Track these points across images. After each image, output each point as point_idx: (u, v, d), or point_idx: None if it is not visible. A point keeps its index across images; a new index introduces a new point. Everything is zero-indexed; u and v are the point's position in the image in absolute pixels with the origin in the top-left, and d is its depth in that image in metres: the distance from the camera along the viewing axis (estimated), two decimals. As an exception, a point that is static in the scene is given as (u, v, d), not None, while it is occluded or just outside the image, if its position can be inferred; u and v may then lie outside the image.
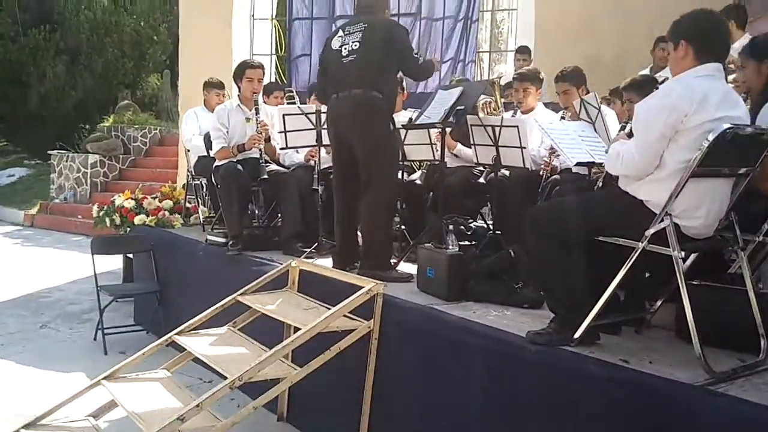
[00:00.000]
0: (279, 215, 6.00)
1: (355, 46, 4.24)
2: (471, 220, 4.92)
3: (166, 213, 6.58)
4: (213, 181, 5.50)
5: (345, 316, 3.63)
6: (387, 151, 4.19)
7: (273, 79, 10.55)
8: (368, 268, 4.16)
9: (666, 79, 3.91)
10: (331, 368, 3.59)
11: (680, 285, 2.60)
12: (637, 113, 2.68)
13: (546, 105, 5.34)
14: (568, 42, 7.70)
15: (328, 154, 5.44)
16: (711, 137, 2.49)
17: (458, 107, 4.28)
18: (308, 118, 4.88)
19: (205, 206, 6.81)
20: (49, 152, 13.82)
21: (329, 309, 3.88)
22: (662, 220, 2.63)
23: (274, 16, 10.63)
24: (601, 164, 3.91)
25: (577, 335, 2.83)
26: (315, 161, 5.32)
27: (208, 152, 5.63)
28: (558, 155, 4.51)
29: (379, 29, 4.22)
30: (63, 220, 12.49)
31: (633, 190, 2.72)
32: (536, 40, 8.20)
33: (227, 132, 5.43)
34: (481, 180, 4.90)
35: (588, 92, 4.73)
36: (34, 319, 6.51)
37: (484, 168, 5.07)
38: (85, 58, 16.17)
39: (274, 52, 10.51)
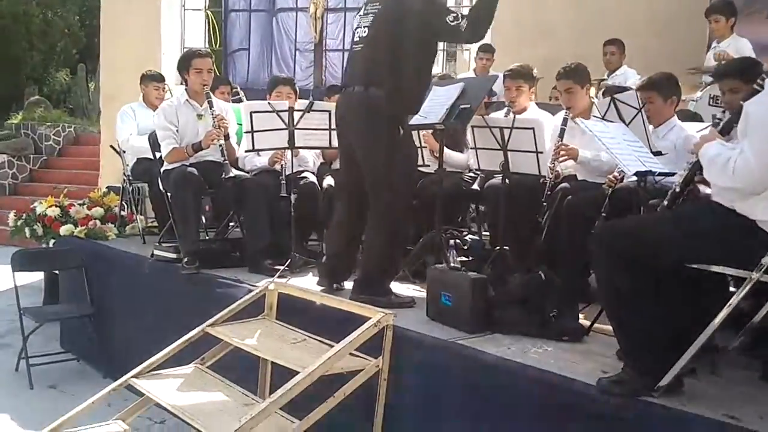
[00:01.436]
0: (233, 225, 5.33)
1: (365, 32, 3.61)
2: (466, 233, 4.38)
3: (98, 222, 5.75)
4: (161, 187, 4.75)
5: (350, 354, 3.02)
6: (391, 161, 3.54)
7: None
8: (363, 291, 3.55)
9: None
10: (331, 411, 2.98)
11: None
12: (751, 113, 2.18)
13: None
14: (525, 42, 7.33)
15: (296, 156, 4.82)
16: None
17: (462, 105, 3.74)
18: (279, 117, 4.22)
19: (142, 215, 6.04)
20: (-52, 151, 12.50)
21: (321, 342, 3.29)
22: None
23: (207, 7, 9.85)
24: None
25: (663, 383, 2.31)
26: (281, 165, 4.66)
27: (154, 154, 4.87)
28: (563, 160, 4.04)
29: (392, 9, 3.53)
30: (-35, 226, 11.26)
31: (744, 209, 2.22)
32: (492, 39, 7.78)
33: (177, 131, 4.70)
34: (475, 187, 4.35)
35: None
36: (-63, 347, 5.58)
37: (477, 174, 4.55)
38: (-12, 50, 14.84)
39: (207, 45, 9.71)
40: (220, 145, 4.54)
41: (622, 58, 6.40)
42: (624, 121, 3.39)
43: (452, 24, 3.38)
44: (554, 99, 5.50)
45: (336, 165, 5.11)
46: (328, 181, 4.79)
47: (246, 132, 4.22)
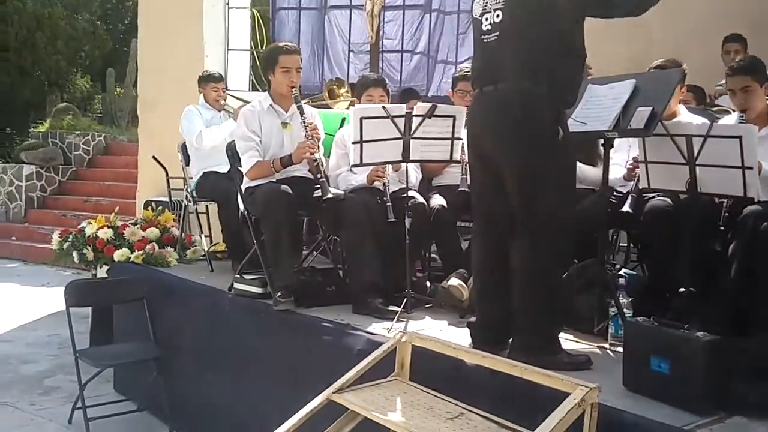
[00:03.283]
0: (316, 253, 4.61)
1: (497, 17, 2.87)
2: (618, 265, 3.62)
3: (155, 246, 5.03)
4: (241, 207, 4.03)
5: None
6: (552, 175, 2.82)
7: (249, 79, 9.10)
8: (526, 349, 2.80)
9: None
10: None
11: None
12: None
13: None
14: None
15: (396, 171, 4.08)
16: None
17: (640, 108, 2.98)
18: (395, 123, 3.47)
19: (205, 236, 5.31)
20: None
21: (487, 419, 2.52)
22: None
23: (253, 5, 9.15)
24: None
25: None
26: (384, 183, 3.93)
27: (233, 166, 4.14)
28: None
29: None
30: (-7, 242, 10.60)
31: None
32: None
33: (260, 141, 3.98)
34: (626, 209, 3.57)
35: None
36: (-26, 389, 4.88)
37: (620, 194, 3.79)
38: (13, 54, 14.12)
39: (253, 46, 9.01)
40: (315, 161, 3.81)
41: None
42: None
43: None
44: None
45: (439, 180, 4.37)
46: (438, 200, 4.03)
47: (354, 143, 3.47)
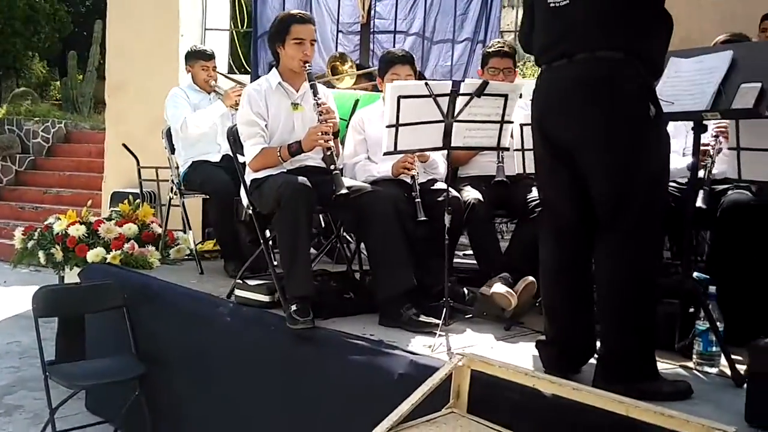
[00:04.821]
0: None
1: None
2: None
3: (136, 245, 4.40)
4: (243, 202, 3.44)
5: None
6: (648, 162, 2.31)
7: (227, 61, 8.44)
8: (619, 374, 2.28)
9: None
10: None
11: None
12: None
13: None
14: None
15: (423, 162, 3.54)
16: None
17: (744, 85, 2.48)
18: (437, 103, 2.91)
19: (187, 233, 4.68)
20: None
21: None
22: None
23: (232, -18, 8.50)
24: None
25: None
26: (414, 175, 3.39)
27: (235, 156, 3.55)
28: None
29: None
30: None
31: None
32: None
33: (266, 126, 3.40)
34: (699, 204, 3.07)
35: None
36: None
37: (680, 186, 3.30)
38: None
39: (233, 26, 8.35)
40: (329, 149, 3.24)
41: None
42: None
43: None
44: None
45: (467, 170, 3.84)
46: (472, 194, 3.49)
47: (389, 126, 2.90)
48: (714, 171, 3.19)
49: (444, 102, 2.93)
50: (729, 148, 2.80)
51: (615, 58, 2.30)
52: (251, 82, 5.89)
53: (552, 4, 2.41)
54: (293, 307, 3.01)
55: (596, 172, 2.35)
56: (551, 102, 2.46)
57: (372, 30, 7.74)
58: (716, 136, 3.23)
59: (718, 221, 3.05)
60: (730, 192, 3.11)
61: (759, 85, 2.45)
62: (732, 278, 2.91)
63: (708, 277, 2.93)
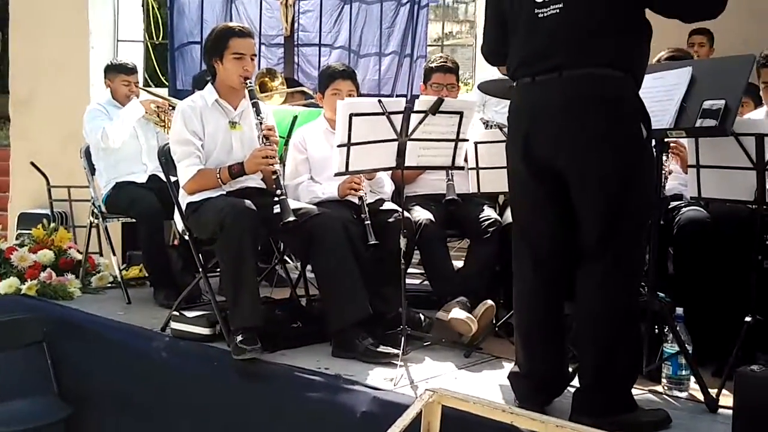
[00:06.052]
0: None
1: None
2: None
3: (53, 274, 4.05)
4: (177, 227, 3.19)
5: None
6: (640, 185, 2.22)
7: (143, 73, 8.05)
8: (599, 407, 2.18)
9: None
10: None
11: None
12: None
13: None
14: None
15: (369, 180, 3.39)
16: None
17: (707, 101, 2.44)
18: (390, 122, 2.76)
19: (111, 259, 4.34)
20: None
21: None
22: None
23: (145, -7, 8.13)
24: None
25: None
26: (361, 196, 3.23)
27: (168, 178, 3.29)
28: None
29: None
30: None
31: None
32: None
33: (202, 146, 3.16)
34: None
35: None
36: None
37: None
38: None
39: (147, 37, 7.98)
40: (274, 173, 3.04)
41: (710, 52, 5.20)
42: None
43: None
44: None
45: (413, 188, 3.69)
46: (422, 214, 3.35)
47: (340, 145, 2.72)
48: (666, 187, 3.16)
49: (397, 120, 2.77)
50: (689, 166, 2.76)
51: (610, 75, 2.19)
52: (168, 95, 5.64)
53: (538, 14, 2.27)
54: (239, 338, 2.79)
55: (591, 194, 2.22)
56: (538, 120, 2.30)
57: (296, 43, 7.53)
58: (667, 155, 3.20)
59: (676, 239, 3.02)
60: (683, 209, 3.08)
61: (722, 101, 2.41)
62: (697, 298, 2.88)
63: (669, 300, 2.89)
